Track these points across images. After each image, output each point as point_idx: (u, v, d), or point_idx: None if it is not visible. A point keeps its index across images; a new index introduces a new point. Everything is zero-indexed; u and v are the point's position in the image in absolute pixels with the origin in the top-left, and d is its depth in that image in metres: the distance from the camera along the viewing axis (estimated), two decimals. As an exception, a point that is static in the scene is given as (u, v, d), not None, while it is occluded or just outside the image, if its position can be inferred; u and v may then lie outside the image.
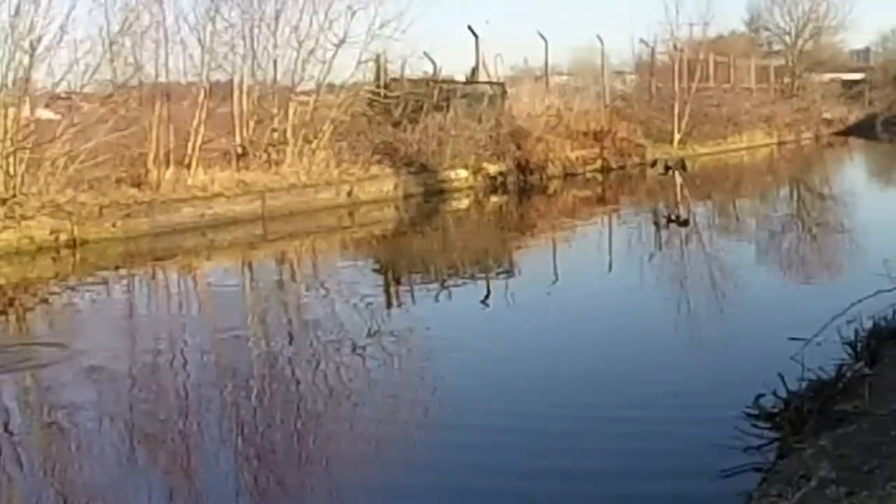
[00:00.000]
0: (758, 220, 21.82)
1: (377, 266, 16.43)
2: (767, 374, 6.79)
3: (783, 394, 6.67)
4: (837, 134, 49.46)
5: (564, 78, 39.21)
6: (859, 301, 7.80)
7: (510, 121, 26.41)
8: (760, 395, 6.68)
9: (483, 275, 14.95)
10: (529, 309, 11.88)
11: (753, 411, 6.67)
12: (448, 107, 25.21)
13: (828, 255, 16.55)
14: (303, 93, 23.18)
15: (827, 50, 64.11)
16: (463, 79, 29.62)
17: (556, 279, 14.10)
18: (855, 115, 53.09)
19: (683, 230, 19.47)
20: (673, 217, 21.35)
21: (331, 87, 24.04)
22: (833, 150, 45.45)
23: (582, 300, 12.22)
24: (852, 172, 35.82)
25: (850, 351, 7.59)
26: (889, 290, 8.23)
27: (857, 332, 7.71)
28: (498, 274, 15.00)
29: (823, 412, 6.26)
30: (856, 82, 61.78)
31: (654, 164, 31.04)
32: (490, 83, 28.41)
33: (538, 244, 18.53)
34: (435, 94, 26.33)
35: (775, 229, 19.92)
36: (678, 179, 31.56)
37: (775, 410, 6.63)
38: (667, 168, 30.16)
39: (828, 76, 60.86)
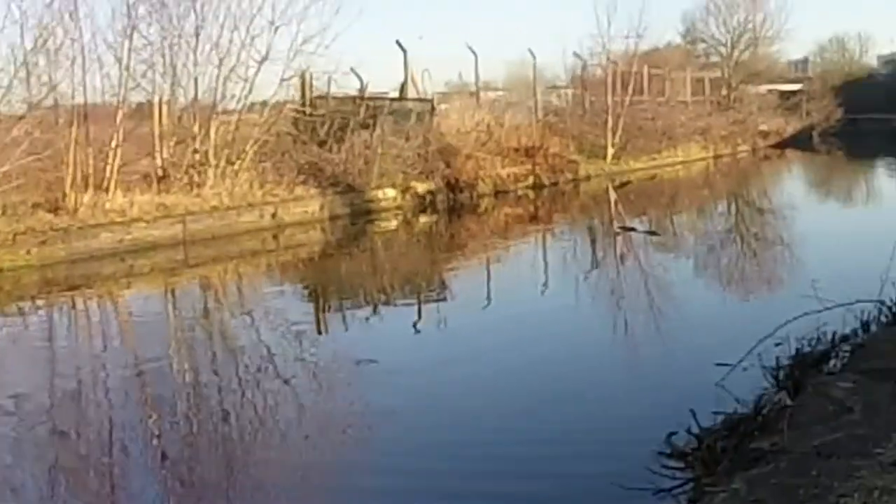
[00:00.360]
0: (694, 236, 22.25)
1: (304, 291, 16.55)
2: (693, 403, 6.89)
3: (698, 430, 6.68)
4: (774, 146, 50.33)
5: (500, 93, 39.60)
6: (786, 323, 8.17)
7: (439, 138, 26.64)
8: (672, 433, 6.70)
9: (413, 298, 15.19)
10: (454, 336, 12.06)
11: (666, 450, 6.66)
12: (374, 124, 25.32)
13: (764, 271, 16.95)
14: (225, 112, 23.15)
15: (764, 61, 65.22)
16: (392, 95, 29.82)
17: (487, 302, 14.23)
18: (792, 127, 54.07)
19: (619, 247, 19.77)
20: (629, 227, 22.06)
21: (254, 105, 24.10)
22: (770, 162, 46.31)
23: (511, 324, 12.26)
24: (789, 185, 36.56)
25: (771, 380, 7.57)
26: (818, 312, 8.48)
27: (778, 359, 7.75)
28: (428, 297, 15.18)
29: (739, 450, 6.17)
30: (794, 93, 62.84)
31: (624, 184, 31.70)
32: (418, 100, 28.60)
33: (469, 265, 18.68)
34: (361, 111, 26.48)
35: (711, 245, 20.33)
36: (612, 196, 32.05)
37: (689, 449, 6.58)
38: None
39: (765, 87, 61.87)
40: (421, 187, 25.53)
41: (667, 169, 38.30)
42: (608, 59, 38.09)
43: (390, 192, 24.85)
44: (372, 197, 24.33)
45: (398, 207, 25.06)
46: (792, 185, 36.26)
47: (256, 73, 23.35)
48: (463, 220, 25.66)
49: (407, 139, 25.86)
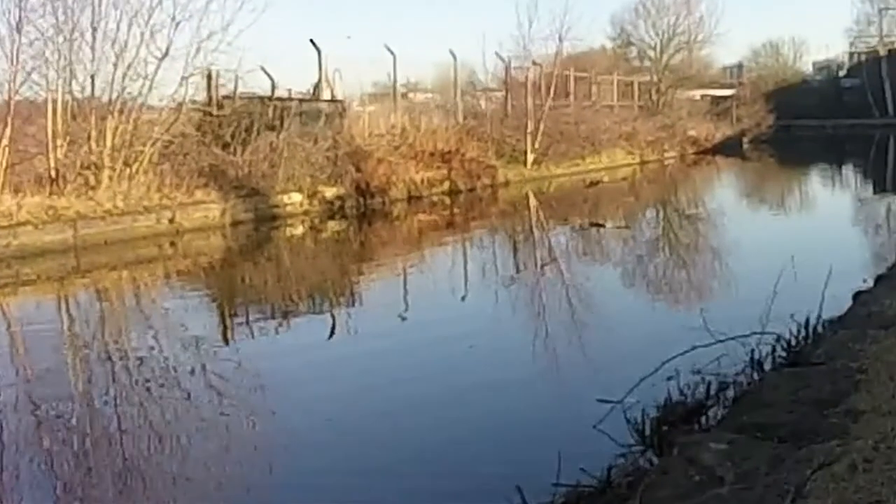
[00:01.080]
0: (611, 248, 22.27)
1: (203, 300, 16.58)
2: (563, 449, 6.57)
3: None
4: (703, 152, 51.09)
5: (429, 95, 39.94)
6: (671, 359, 8.17)
7: (349, 141, 26.79)
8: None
9: (320, 309, 15.31)
10: (350, 353, 12.08)
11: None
12: (282, 126, 25.42)
13: (676, 289, 16.78)
14: (123, 111, 23.08)
15: (695, 65, 66.17)
16: (306, 97, 29.95)
17: (392, 314, 14.25)
18: (722, 133, 54.89)
19: (535, 260, 20.13)
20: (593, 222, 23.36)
21: (155, 105, 24.12)
22: (698, 169, 46.98)
23: (401, 347, 12.18)
24: (717, 194, 37.00)
25: (636, 436, 7.04)
26: (705, 346, 8.49)
27: (644, 411, 7.21)
28: (334, 308, 15.23)
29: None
30: (726, 98, 63.84)
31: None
32: (328, 101, 28.76)
33: (379, 275, 18.77)
34: (269, 112, 26.57)
35: (630, 257, 20.52)
36: (532, 202, 32.44)
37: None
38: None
39: (698, 93, 62.79)
40: (329, 192, 25.68)
41: (590, 175, 38.69)
42: (534, 61, 38.57)
43: (297, 197, 24.97)
44: (277, 202, 24.44)
45: (305, 213, 25.19)
46: (719, 194, 36.74)
47: (157, 71, 23.43)
48: (374, 226, 25.84)
49: (315, 142, 25.95)
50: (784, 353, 8.56)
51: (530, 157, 35.23)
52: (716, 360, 8.40)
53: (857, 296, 11.05)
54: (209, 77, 26.49)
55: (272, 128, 25.64)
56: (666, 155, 46.78)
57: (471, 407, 9.27)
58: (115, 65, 22.89)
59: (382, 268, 19.66)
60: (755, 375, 8.20)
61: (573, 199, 34.01)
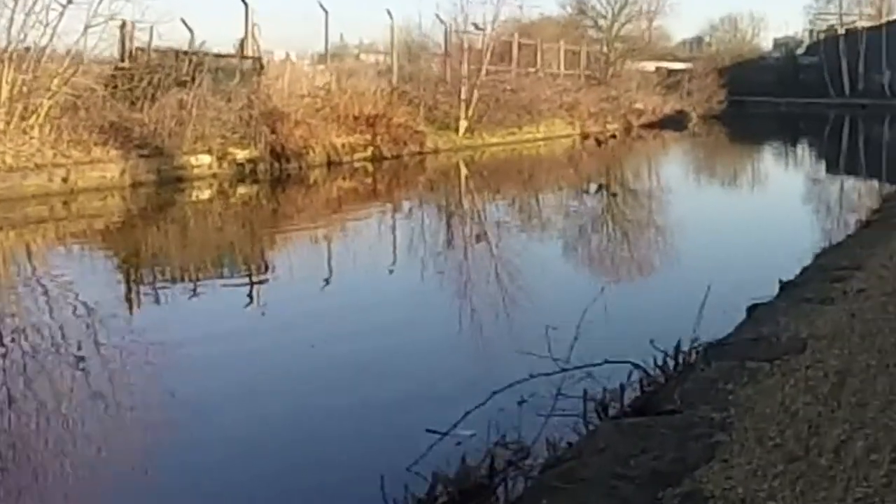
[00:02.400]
0: (536, 226, 21.55)
1: (98, 266, 15.91)
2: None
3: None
4: (650, 126, 50.69)
5: (381, 57, 39.40)
6: (509, 386, 7.20)
7: (265, 101, 26.05)
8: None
9: (225, 278, 14.71)
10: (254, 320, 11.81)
11: None
12: (193, 82, 24.70)
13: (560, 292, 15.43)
14: (22, 60, 22.27)
15: (652, 37, 66.05)
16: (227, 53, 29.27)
17: (299, 287, 13.83)
18: (671, 107, 54.55)
19: (457, 237, 19.54)
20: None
21: (57, 55, 23.28)
22: (643, 143, 46.56)
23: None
24: (656, 170, 36.56)
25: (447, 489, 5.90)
26: (547, 374, 7.39)
27: (464, 458, 6.18)
28: (233, 279, 14.70)
29: None
30: (681, 72, 63.74)
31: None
32: (244, 57, 28.06)
33: (286, 244, 18.22)
34: (184, 67, 25.84)
35: (555, 237, 19.66)
36: (463, 171, 31.94)
37: None
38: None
39: (653, 65, 62.63)
40: (241, 154, 25.02)
41: (526, 145, 38.31)
42: (476, 26, 38.07)
43: (205, 159, 24.29)
44: (184, 163, 23.73)
45: (213, 176, 24.52)
46: (657, 171, 36.29)
47: (60, 18, 22.62)
48: (288, 192, 25.26)
49: (229, 101, 25.21)
50: (637, 393, 7.25)
51: (463, 125, 34.66)
52: (561, 393, 7.15)
53: (751, 310, 9.70)
54: (123, 28, 25.74)
55: (183, 84, 24.86)
56: (609, 127, 46.24)
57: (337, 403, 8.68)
58: (13, 10, 22.02)
59: (290, 237, 19.09)
60: (588, 427, 6.75)
61: (506, 169, 33.61)
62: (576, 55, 52.70)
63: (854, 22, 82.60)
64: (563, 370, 7.37)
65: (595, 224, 21.66)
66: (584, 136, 43.25)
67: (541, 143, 39.78)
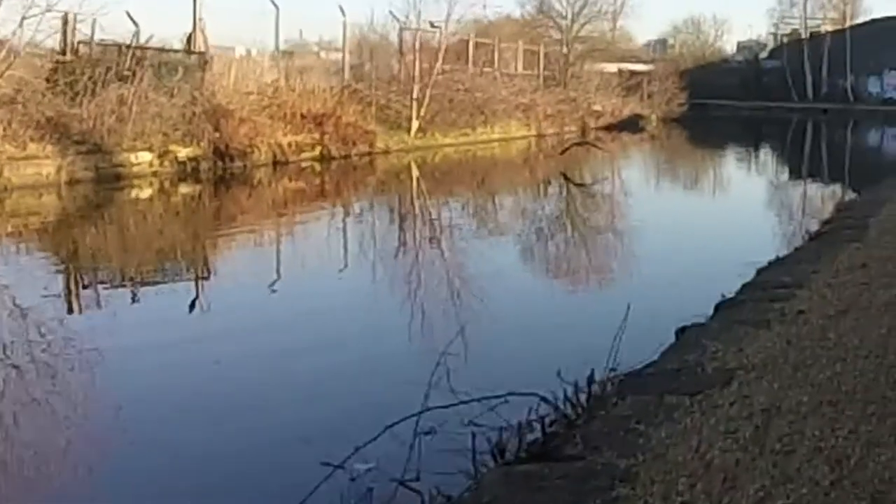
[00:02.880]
0: (482, 232, 21.06)
1: (32, 268, 15.41)
2: None
3: None
4: (608, 128, 50.56)
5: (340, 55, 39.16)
6: (403, 420, 6.68)
7: (209, 97, 25.75)
8: None
9: (161, 282, 14.42)
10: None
11: None
12: (134, 77, 24.37)
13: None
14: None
15: (614, 38, 66.06)
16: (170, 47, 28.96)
17: (228, 295, 13.56)
18: (630, 109, 54.47)
19: (409, 238, 19.36)
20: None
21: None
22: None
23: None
24: (612, 171, 36.26)
25: None
26: (444, 407, 6.82)
27: None
28: (168, 282, 14.47)
29: None
30: (642, 74, 63.70)
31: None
32: (189, 52, 27.74)
33: (225, 246, 17.95)
34: (127, 61, 25.51)
35: (504, 240, 19.63)
36: (414, 172, 31.73)
37: None
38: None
39: (613, 66, 62.55)
40: (183, 152, 24.75)
41: (481, 146, 38.14)
42: (431, 23, 37.88)
43: (145, 156, 24.00)
44: (123, 160, 23.43)
45: (154, 174, 24.23)
46: (613, 175, 35.90)
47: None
48: (232, 192, 25.02)
49: (171, 96, 24.89)
50: (539, 433, 6.60)
51: (415, 125, 34.44)
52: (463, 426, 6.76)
53: (680, 333, 9.17)
54: (65, 21, 25.40)
55: (124, 79, 24.52)
56: (566, 129, 46.08)
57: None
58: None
59: (232, 238, 18.83)
60: (477, 472, 6.15)
61: (458, 171, 33.40)
62: (534, 55, 52.48)
63: (818, 26, 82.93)
64: (461, 402, 6.81)
65: (539, 231, 21.37)
66: (540, 138, 43.09)
67: (495, 144, 39.61)
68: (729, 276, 12.16)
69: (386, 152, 32.76)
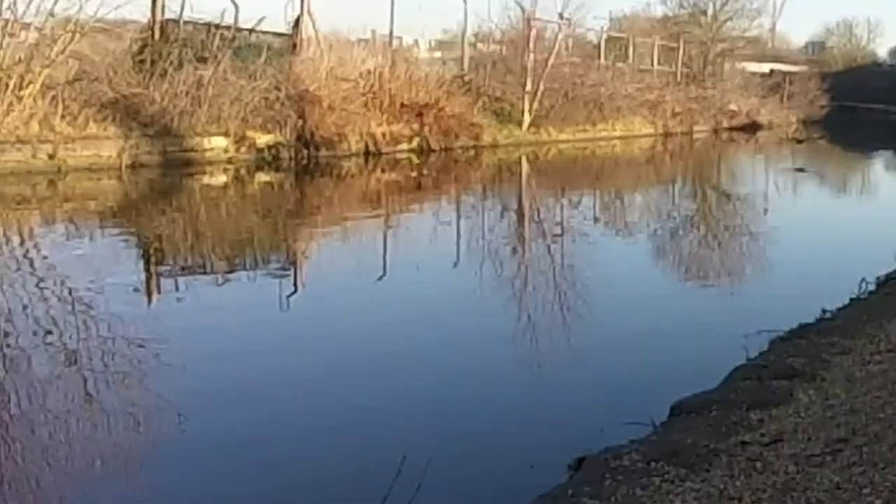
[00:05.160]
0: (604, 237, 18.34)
1: (94, 253, 13.88)
2: None
3: None
4: (743, 129, 47.81)
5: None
6: None
7: (294, 82, 24.07)
8: None
9: (242, 274, 13.01)
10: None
11: None
12: (214, 59, 22.87)
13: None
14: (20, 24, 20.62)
15: (768, 38, 63.81)
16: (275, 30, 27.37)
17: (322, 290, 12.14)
18: (768, 110, 51.73)
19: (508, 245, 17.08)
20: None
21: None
22: (735, 146, 43.73)
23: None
24: (750, 174, 33.54)
25: None
26: None
27: None
28: (255, 275, 12.96)
29: None
30: (789, 74, 61.08)
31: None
32: (276, 34, 26.13)
33: (309, 242, 16.21)
34: (214, 42, 24.08)
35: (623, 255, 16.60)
36: (525, 168, 29.75)
37: None
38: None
39: (758, 66, 60.05)
40: (263, 139, 23.16)
41: (600, 143, 35.84)
42: (560, 15, 36.00)
43: (220, 142, 22.49)
44: (194, 145, 21.96)
45: (229, 161, 22.73)
46: (745, 179, 32.92)
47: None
48: (316, 182, 23.44)
49: (255, 80, 23.29)
50: None
51: (527, 119, 32.42)
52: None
53: (675, 409, 7.17)
54: (153, -1, 24.05)
55: (203, 60, 23.02)
56: (696, 128, 43.53)
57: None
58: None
59: (314, 233, 17.08)
60: None
61: (574, 169, 31.24)
62: (673, 51, 50.01)
63: (978, 30, 78.83)
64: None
65: (661, 247, 17.97)
66: (666, 136, 40.56)
67: (616, 142, 37.20)
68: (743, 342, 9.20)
69: (494, 146, 30.81)
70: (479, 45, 36.81)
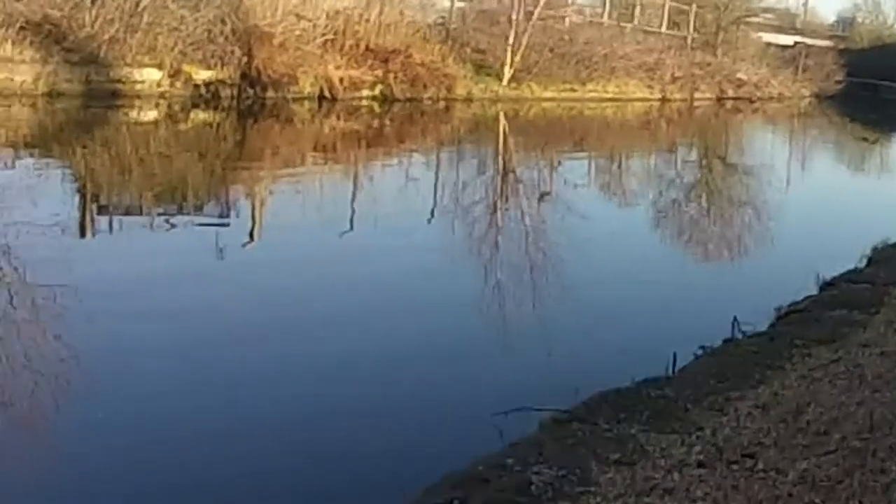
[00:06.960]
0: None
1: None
2: None
3: None
4: (751, 99, 46.19)
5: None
6: None
7: (245, 16, 22.66)
8: None
9: (173, 219, 11.98)
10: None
11: None
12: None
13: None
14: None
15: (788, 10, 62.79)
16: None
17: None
18: (779, 81, 50.27)
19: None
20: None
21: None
22: (739, 116, 42.18)
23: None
24: (742, 149, 31.90)
25: None
26: None
27: None
28: (185, 221, 11.98)
29: None
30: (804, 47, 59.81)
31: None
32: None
33: (257, 188, 15.10)
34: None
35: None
36: (502, 125, 28.27)
37: None
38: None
39: (790, 39, 58.91)
40: (202, 74, 21.80)
41: (589, 104, 34.23)
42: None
43: (153, 74, 21.17)
44: (123, 76, 20.67)
45: (162, 95, 21.39)
46: (743, 149, 31.30)
47: None
48: (261, 124, 22.12)
49: (197, 11, 21.92)
50: None
51: (507, 73, 30.89)
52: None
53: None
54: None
55: (144, -15, 21.70)
56: (697, 95, 41.82)
57: None
58: None
59: (255, 180, 15.90)
60: None
61: (555, 129, 29.76)
62: (685, 14, 48.40)
63: None
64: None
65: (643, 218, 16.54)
66: (664, 102, 38.85)
67: (607, 104, 35.50)
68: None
69: (468, 100, 29.33)
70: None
